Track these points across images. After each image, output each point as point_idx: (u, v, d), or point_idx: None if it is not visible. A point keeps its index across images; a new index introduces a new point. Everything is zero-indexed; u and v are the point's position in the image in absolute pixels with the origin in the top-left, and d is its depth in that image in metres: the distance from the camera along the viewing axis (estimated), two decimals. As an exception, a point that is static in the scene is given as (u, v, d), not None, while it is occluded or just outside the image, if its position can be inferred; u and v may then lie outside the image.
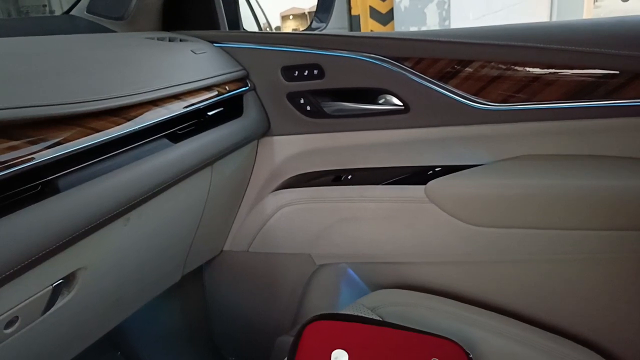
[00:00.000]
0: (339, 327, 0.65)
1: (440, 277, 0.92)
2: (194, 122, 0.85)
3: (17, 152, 0.54)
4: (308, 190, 0.99)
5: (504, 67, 0.82)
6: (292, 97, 0.95)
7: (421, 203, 0.88)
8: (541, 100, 0.81)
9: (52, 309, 0.65)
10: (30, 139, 0.56)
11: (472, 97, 0.85)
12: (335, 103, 0.94)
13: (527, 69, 0.81)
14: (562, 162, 0.82)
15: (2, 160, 0.52)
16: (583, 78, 0.78)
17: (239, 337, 1.19)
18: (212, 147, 0.86)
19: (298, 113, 0.96)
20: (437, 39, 0.85)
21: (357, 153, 0.95)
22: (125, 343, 1.22)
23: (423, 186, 0.88)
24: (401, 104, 0.89)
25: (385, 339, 0.64)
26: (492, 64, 0.83)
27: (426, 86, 0.86)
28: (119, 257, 0.75)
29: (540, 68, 0.80)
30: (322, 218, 0.99)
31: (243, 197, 1.07)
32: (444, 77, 0.85)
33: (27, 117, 0.56)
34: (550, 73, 0.80)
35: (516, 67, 0.81)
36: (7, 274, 0.53)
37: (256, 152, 1.03)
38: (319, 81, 0.92)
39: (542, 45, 0.79)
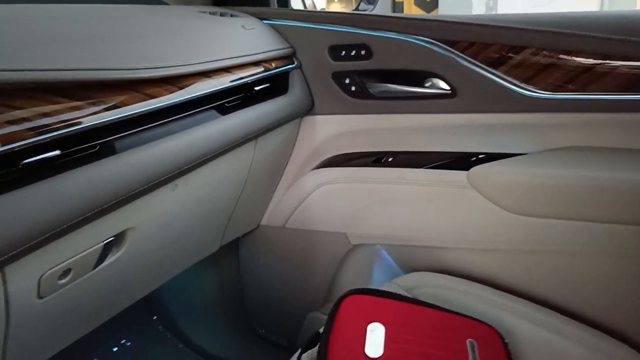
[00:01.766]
0: (376, 302, 0.66)
1: (476, 264, 0.92)
2: (241, 97, 0.87)
3: (78, 112, 0.57)
4: (348, 170, 1.00)
5: (557, 55, 0.80)
6: (338, 77, 0.96)
7: (462, 188, 0.88)
8: (593, 91, 0.79)
9: (102, 265, 0.69)
10: (90, 101, 0.59)
11: (522, 85, 0.84)
12: (381, 84, 0.94)
13: (582, 58, 0.79)
14: (610, 155, 0.80)
15: (65, 119, 0.55)
16: (638, 71, 0.76)
17: (270, 310, 1.22)
18: (257, 122, 0.87)
19: (342, 93, 0.96)
20: (490, 23, 0.84)
21: (399, 136, 0.95)
22: (161, 308, 1.27)
23: (465, 172, 0.87)
24: (448, 88, 0.88)
25: (421, 317, 0.65)
26: (545, 51, 0.81)
27: (475, 71, 0.85)
28: (165, 220, 0.78)
29: (595, 58, 0.78)
30: (360, 198, 1.00)
31: (282, 174, 1.09)
32: (494, 63, 0.84)
33: (89, 79, 0.58)
34: (605, 64, 0.78)
35: (570, 56, 0.79)
36: (64, 227, 0.56)
37: (298, 129, 1.04)
38: (366, 62, 0.92)
39: (601, 35, 0.77)
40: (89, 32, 0.64)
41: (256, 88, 0.90)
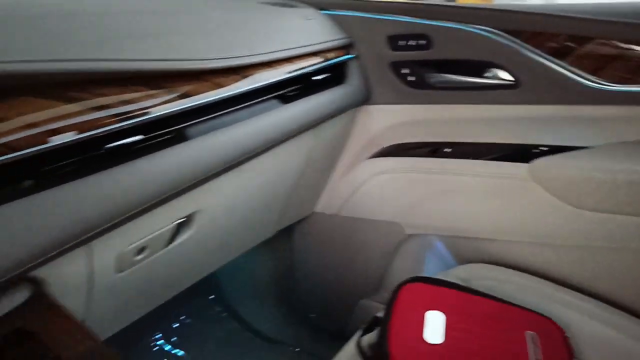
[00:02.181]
0: (434, 291, 0.67)
1: (533, 257, 0.91)
2: (301, 87, 0.89)
3: (156, 100, 0.61)
4: (405, 160, 1.01)
5: (626, 46, 0.78)
6: (396, 67, 0.96)
7: (523, 181, 0.87)
8: None
9: (173, 244, 0.73)
10: (166, 90, 0.62)
11: (588, 76, 0.81)
12: (440, 75, 0.94)
13: None
14: None
15: (145, 106, 0.59)
16: None
17: (321, 295, 1.25)
18: (316, 111, 0.89)
19: (400, 83, 0.97)
20: (556, 13, 0.82)
21: (458, 126, 0.95)
22: (218, 289, 1.32)
23: (526, 164, 0.86)
24: (512, 78, 0.87)
25: (480, 308, 0.65)
26: (614, 42, 0.78)
27: (539, 62, 0.83)
28: (229, 204, 0.82)
29: None
30: (416, 188, 1.00)
31: (338, 162, 1.11)
32: (559, 54, 0.82)
33: (166, 69, 0.62)
34: None
35: None
36: (143, 207, 0.60)
37: (355, 119, 1.05)
38: (426, 52, 0.92)
39: None
40: (165, 25, 0.68)
41: (315, 78, 0.92)
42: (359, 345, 0.61)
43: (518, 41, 0.84)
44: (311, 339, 1.25)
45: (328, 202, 1.14)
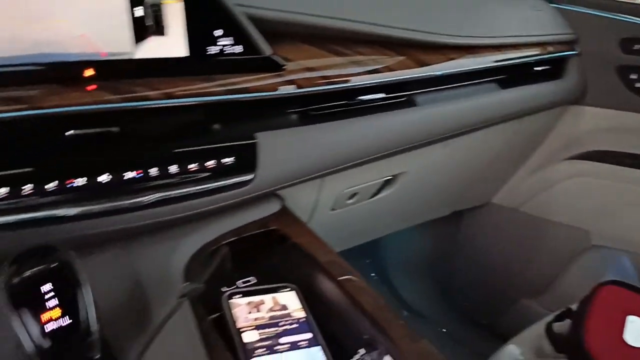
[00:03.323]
0: (636, 298, 0.65)
1: None
2: (515, 75, 0.89)
3: (398, 64, 0.68)
4: (605, 166, 0.96)
5: None
6: (624, 71, 0.91)
7: None
8: None
9: (376, 197, 0.81)
10: (407, 57, 0.69)
11: None
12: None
13: None
14: None
15: (390, 69, 0.66)
16: None
17: (479, 286, 1.25)
18: (526, 101, 0.90)
19: (624, 88, 0.92)
20: None
21: None
22: (376, 254, 1.40)
23: None
24: None
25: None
26: None
27: None
28: (428, 173, 0.88)
29: None
30: (612, 198, 0.96)
31: (530, 156, 1.09)
32: None
33: (412, 39, 0.69)
34: None
35: None
36: (370, 157, 0.68)
37: (562, 116, 1.03)
38: None
39: None
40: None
41: (532, 69, 0.91)
42: (549, 329, 0.63)
43: None
44: (460, 324, 1.27)
45: (508, 195, 1.14)
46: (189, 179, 0.51)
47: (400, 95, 0.70)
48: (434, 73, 0.71)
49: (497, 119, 0.87)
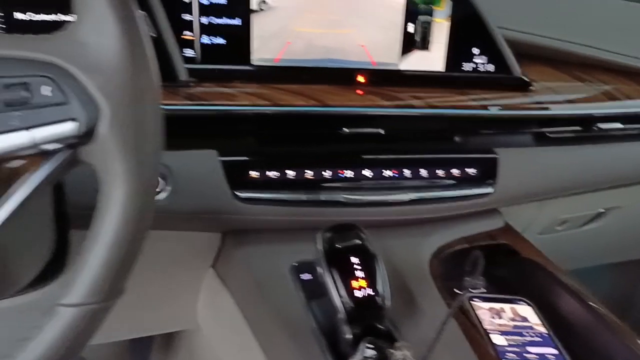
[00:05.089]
0: None
1: None
2: None
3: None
4: None
5: None
6: None
7: None
8: None
9: (586, 227, 0.78)
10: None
11: None
12: None
13: None
14: None
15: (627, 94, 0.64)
16: None
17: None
18: None
19: None
20: None
21: None
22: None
23: None
24: None
25: None
26: None
27: None
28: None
29: None
30: None
31: None
32: None
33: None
34: None
35: None
36: (602, 186, 0.67)
37: None
38: None
39: None
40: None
41: None
42: None
43: None
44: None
45: None
46: (437, 184, 0.54)
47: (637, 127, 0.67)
48: None
49: None
